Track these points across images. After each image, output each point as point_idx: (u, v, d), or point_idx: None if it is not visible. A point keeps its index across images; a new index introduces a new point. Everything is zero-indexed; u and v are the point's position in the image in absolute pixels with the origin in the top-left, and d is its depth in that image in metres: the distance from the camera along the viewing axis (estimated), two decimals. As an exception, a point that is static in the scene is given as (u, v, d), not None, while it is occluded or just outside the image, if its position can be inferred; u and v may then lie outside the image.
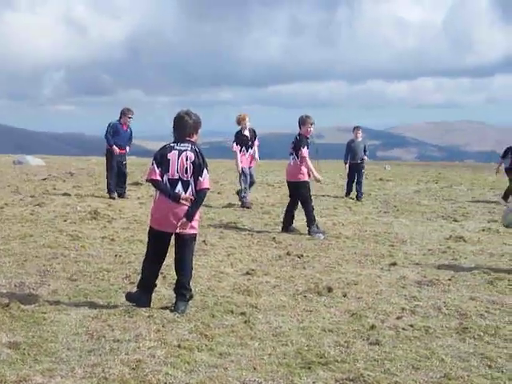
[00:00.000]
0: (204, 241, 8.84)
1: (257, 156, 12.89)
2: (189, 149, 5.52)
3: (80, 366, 4.15)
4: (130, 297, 5.65)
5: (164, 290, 6.14)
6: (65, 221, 10.19)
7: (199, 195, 5.59)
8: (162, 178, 5.55)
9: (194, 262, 6.64)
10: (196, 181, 5.52)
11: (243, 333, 4.95)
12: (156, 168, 5.55)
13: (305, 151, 9.95)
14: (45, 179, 16.42)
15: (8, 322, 4.96)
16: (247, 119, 12.65)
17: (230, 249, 8.41)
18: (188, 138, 5.61)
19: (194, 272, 6.77)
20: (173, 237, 5.67)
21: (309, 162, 9.98)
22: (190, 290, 5.67)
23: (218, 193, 14.85)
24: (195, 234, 5.72)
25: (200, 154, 5.56)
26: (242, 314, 5.46)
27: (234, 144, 12.64)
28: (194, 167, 5.48)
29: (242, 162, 12.56)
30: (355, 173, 14.88)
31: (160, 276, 6.63)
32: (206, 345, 4.63)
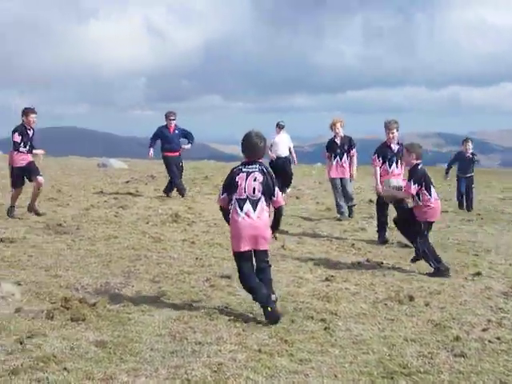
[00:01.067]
0: (283, 246, 8.86)
1: (353, 169, 11.88)
2: (257, 170, 5.59)
3: (163, 366, 4.23)
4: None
5: (244, 294, 6.18)
6: (147, 223, 10.45)
7: (278, 212, 5.76)
8: (230, 202, 5.68)
9: (272, 267, 6.76)
10: (270, 200, 5.61)
11: (323, 339, 4.92)
12: (221, 194, 5.74)
13: (374, 159, 9.83)
14: (127, 182, 16.89)
15: (95, 321, 5.12)
16: (338, 125, 11.79)
17: (308, 254, 8.39)
18: (257, 160, 5.68)
19: (273, 276, 6.84)
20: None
21: (376, 172, 9.79)
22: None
23: (297, 197, 14.86)
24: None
25: (268, 173, 5.64)
26: (322, 320, 5.42)
27: (325, 151, 12.03)
28: (262, 187, 5.55)
29: (330, 171, 11.89)
30: (466, 187, 13.98)
31: (239, 280, 6.72)
32: (286, 350, 4.63)
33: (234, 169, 5.71)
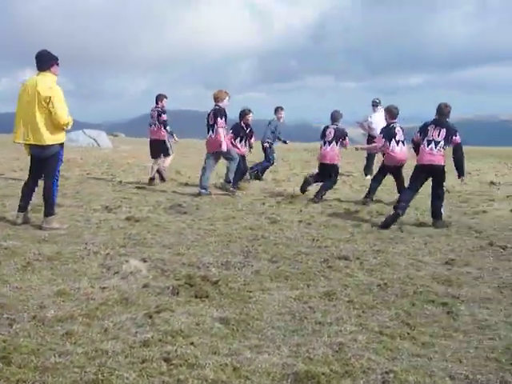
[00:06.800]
0: (400, 228, 8.72)
1: None
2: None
3: (285, 344, 4.30)
4: None
5: (362, 276, 6.16)
6: (263, 204, 10.61)
7: None
8: None
9: (390, 249, 6.69)
10: None
11: (446, 324, 4.81)
12: None
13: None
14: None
15: (218, 298, 5.27)
16: None
17: (427, 237, 8.20)
18: None
19: (390, 258, 6.79)
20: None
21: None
22: None
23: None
24: None
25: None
26: (444, 304, 5.30)
27: None
28: None
29: None
30: None
31: (357, 261, 6.70)
32: (408, 333, 4.57)
33: None
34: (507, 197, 12.27)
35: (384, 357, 4.11)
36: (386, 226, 8.78)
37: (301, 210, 10.06)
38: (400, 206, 8.95)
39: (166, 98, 13.52)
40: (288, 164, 18.23)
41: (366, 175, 15.03)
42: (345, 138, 11.63)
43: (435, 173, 9.20)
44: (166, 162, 13.56)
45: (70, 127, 7.95)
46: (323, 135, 11.74)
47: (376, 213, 10.02)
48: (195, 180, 13.61)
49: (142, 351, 4.06)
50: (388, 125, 11.13)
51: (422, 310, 5.14)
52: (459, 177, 9.34)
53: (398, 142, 10.88)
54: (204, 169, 11.67)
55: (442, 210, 9.26)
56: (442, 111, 9.23)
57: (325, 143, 11.64)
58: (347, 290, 5.65)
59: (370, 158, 15.07)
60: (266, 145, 14.27)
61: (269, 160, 14.50)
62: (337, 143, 11.53)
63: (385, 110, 11.38)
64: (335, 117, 11.82)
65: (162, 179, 13.29)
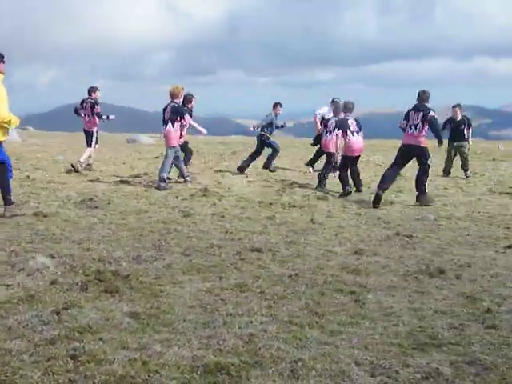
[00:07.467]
0: (312, 219, 8.88)
1: None
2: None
3: (196, 337, 4.29)
4: None
5: (274, 267, 6.23)
6: (176, 197, 10.54)
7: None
8: None
9: (301, 240, 6.76)
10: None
11: (353, 312, 4.94)
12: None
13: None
14: (157, 157, 16.98)
15: (128, 293, 5.19)
16: None
17: (337, 228, 8.39)
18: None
19: (302, 249, 6.89)
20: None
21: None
22: None
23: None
24: None
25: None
26: (352, 293, 5.44)
27: None
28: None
29: None
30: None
31: (269, 253, 6.77)
32: (316, 322, 4.66)
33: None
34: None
35: (293, 346, 4.17)
36: (375, 205, 10.17)
37: (214, 203, 10.06)
38: (380, 186, 10.32)
39: (98, 90, 14.07)
40: (203, 157, 18.18)
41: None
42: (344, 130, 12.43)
43: (414, 152, 10.54)
44: (86, 155, 13.52)
45: (14, 126, 8.01)
46: (325, 126, 13.04)
47: (288, 205, 10.16)
48: (107, 174, 13.37)
49: (48, 349, 3.94)
50: (342, 118, 12.22)
51: (331, 299, 5.25)
52: (438, 144, 10.74)
53: (353, 133, 11.84)
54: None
55: (425, 185, 10.45)
56: (421, 97, 10.56)
57: (326, 133, 12.92)
58: (259, 282, 5.70)
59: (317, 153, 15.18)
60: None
61: (276, 149, 15.50)
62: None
63: (343, 105, 12.31)
64: (337, 110, 12.91)
65: (74, 168, 13.35)
